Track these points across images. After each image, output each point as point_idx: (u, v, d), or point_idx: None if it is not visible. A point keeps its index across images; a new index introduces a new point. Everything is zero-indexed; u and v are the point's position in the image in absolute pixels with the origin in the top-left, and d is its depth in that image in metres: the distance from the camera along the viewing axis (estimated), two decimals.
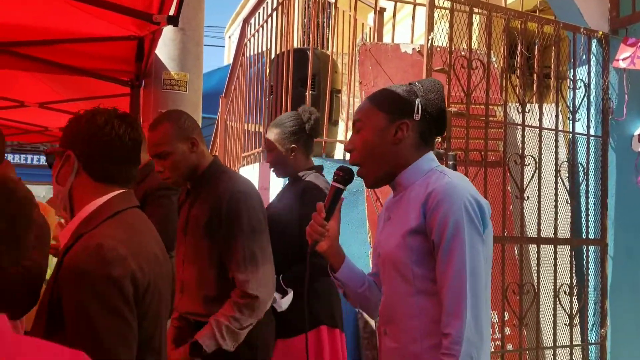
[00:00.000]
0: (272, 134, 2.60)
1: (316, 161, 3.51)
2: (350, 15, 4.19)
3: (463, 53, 3.22)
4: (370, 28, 4.76)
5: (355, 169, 1.67)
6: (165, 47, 3.42)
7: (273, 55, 4.24)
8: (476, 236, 1.46)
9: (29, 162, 15.92)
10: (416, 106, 1.58)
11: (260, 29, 4.44)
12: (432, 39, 3.06)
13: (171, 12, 2.01)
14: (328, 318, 2.55)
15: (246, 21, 4.77)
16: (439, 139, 3.06)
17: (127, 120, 1.51)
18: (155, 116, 3.42)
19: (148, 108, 3.47)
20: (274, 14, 4.11)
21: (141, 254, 1.41)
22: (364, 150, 1.61)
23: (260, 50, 4.46)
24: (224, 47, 14.88)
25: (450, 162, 2.89)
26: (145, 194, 2.68)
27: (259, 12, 4.46)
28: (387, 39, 4.39)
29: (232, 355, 2.11)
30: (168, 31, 3.43)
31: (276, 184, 3.57)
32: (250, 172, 4.04)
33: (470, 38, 3.24)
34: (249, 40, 4.74)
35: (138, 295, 1.37)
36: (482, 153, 3.22)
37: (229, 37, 13.26)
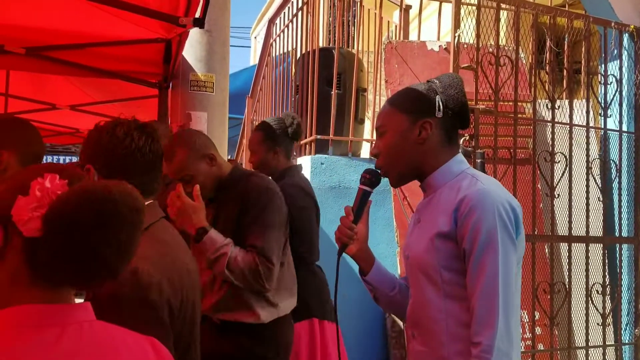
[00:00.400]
0: (257, 137, 2.81)
1: (342, 160, 3.53)
2: (375, 14, 4.18)
3: (490, 50, 3.18)
4: (395, 26, 4.73)
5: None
6: (192, 49, 3.43)
7: (299, 55, 4.25)
8: (509, 244, 1.43)
9: (61, 162, 16.28)
10: (437, 103, 1.55)
11: (286, 28, 4.45)
12: (459, 35, 3.03)
13: (197, 15, 2.03)
14: (319, 310, 2.66)
15: (271, 21, 4.78)
16: (466, 137, 3.03)
17: (147, 131, 1.49)
18: (184, 117, 3.48)
19: (176, 109, 3.49)
20: (299, 13, 4.12)
21: (174, 270, 1.42)
22: (389, 153, 1.59)
23: (285, 50, 4.48)
24: (250, 47, 14.96)
25: (479, 160, 2.86)
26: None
27: (284, 12, 4.47)
28: (413, 36, 4.36)
29: (258, 355, 2.16)
30: (195, 33, 3.45)
31: None
32: None
33: (497, 34, 3.20)
34: (275, 40, 4.75)
35: (173, 316, 1.39)
36: (511, 150, 3.18)
37: (255, 37, 13.32)
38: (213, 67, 3.48)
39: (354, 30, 5.17)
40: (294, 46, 4.26)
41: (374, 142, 1.70)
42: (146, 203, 1.42)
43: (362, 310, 3.41)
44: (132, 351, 1.02)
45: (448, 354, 1.47)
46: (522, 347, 3.30)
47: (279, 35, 4.61)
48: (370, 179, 1.65)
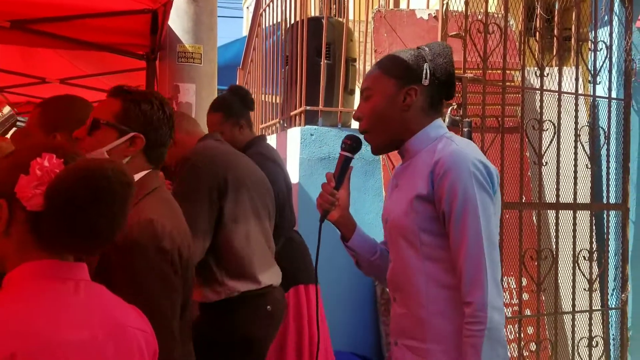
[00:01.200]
0: (217, 118, 2.79)
1: (332, 131, 3.54)
2: None
3: (480, 17, 3.16)
4: None
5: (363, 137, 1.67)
6: (179, 20, 3.40)
7: (288, 25, 4.22)
8: (488, 201, 1.46)
9: None
10: (424, 71, 1.56)
11: None
12: (447, 3, 3.01)
13: None
14: (304, 276, 2.71)
15: None
16: (454, 106, 3.04)
17: (167, 103, 1.62)
18: (172, 89, 3.47)
19: (164, 81, 3.48)
20: None
21: (180, 228, 1.55)
22: (373, 117, 1.60)
23: (276, 21, 4.44)
24: (242, 17, 14.80)
25: (466, 129, 2.87)
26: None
27: None
28: (403, 4, 4.32)
29: (227, 347, 2.11)
30: (181, 3, 3.42)
31: (293, 154, 3.59)
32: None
33: (486, 2, 3.17)
34: (264, 10, 4.71)
35: (182, 265, 1.51)
36: (499, 119, 3.18)
37: (247, 7, 13.18)
38: (200, 38, 3.46)
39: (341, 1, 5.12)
40: (284, 16, 4.22)
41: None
42: (149, 170, 1.58)
43: (351, 278, 3.45)
44: (121, 310, 1.15)
45: (427, 315, 1.50)
46: (510, 313, 3.36)
47: (269, 5, 4.57)
48: (351, 145, 1.66)
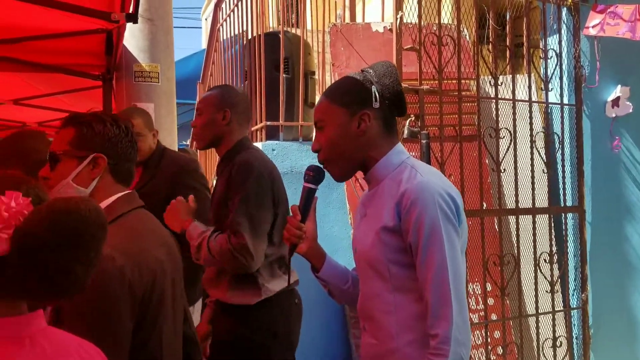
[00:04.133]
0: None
1: (293, 145, 3.55)
2: None
3: (434, 29, 3.22)
4: (342, 7, 4.73)
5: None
6: (134, 39, 3.38)
7: (245, 40, 4.21)
8: (453, 233, 1.46)
9: None
10: (373, 94, 1.56)
11: (232, 13, 4.40)
12: (401, 17, 3.05)
13: (130, 10, 2.00)
14: None
15: (218, 6, 4.72)
16: (412, 117, 3.08)
17: (120, 119, 1.62)
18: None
19: (121, 101, 3.44)
20: None
21: (140, 258, 1.47)
22: (330, 147, 1.59)
23: (233, 35, 4.43)
24: (201, 28, 14.71)
25: (424, 141, 2.91)
26: (172, 181, 2.77)
27: None
28: (359, 16, 4.37)
29: (252, 341, 2.20)
30: (137, 22, 3.39)
31: None
32: None
33: (439, 14, 3.23)
34: (221, 25, 4.69)
35: (135, 302, 1.44)
36: (457, 128, 3.24)
37: (205, 19, 13.11)
38: (157, 57, 3.44)
39: (298, 13, 5.14)
40: (242, 30, 4.22)
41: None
42: (123, 193, 1.55)
43: (320, 290, 3.45)
44: (85, 354, 1.08)
45: (398, 345, 1.50)
46: (476, 319, 3.41)
47: (225, 20, 4.56)
48: (313, 176, 1.64)
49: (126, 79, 3.39)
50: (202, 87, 5.35)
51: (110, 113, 1.63)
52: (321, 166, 1.65)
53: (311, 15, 6.01)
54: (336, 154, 1.59)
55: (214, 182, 2.90)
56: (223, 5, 4.61)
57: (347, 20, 4.25)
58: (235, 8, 4.24)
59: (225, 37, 4.74)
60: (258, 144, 3.54)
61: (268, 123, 3.68)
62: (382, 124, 1.59)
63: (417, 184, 1.48)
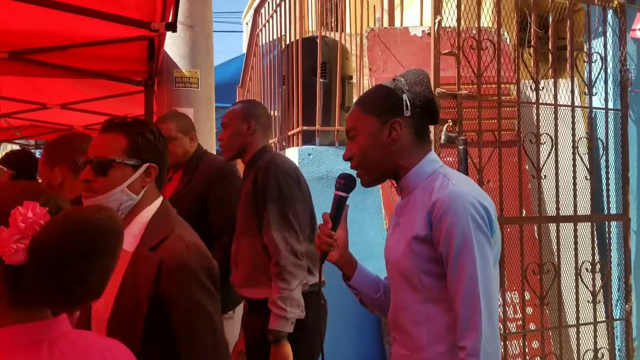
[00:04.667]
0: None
1: (329, 150, 3.56)
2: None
3: (474, 33, 3.17)
4: (382, 11, 4.71)
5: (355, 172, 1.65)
6: (175, 46, 3.44)
7: (284, 46, 4.24)
8: (485, 243, 1.44)
9: None
10: (404, 102, 1.56)
11: (271, 18, 4.44)
12: (439, 21, 3.02)
13: (170, 19, 2.04)
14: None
15: (257, 11, 4.77)
16: (450, 123, 3.05)
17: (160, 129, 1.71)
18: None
19: (162, 106, 3.51)
20: (283, 3, 4.10)
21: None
22: (362, 156, 1.59)
23: (272, 40, 4.47)
24: (242, 32, 14.88)
25: (461, 147, 2.87)
26: (206, 183, 2.84)
27: (269, 1, 4.45)
28: (398, 19, 4.35)
29: (296, 340, 2.25)
30: (178, 29, 3.44)
31: None
32: None
33: (479, 18, 3.19)
34: (261, 30, 4.74)
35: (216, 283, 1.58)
36: (496, 134, 3.19)
37: (246, 23, 13.25)
38: (197, 63, 3.49)
39: (337, 16, 5.15)
40: (280, 35, 4.25)
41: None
42: (162, 198, 1.64)
43: (356, 305, 3.45)
44: (108, 354, 1.08)
45: (429, 356, 1.49)
46: (514, 328, 3.35)
47: (265, 25, 4.60)
48: (345, 184, 1.65)
49: (167, 85, 3.46)
50: (241, 92, 5.42)
51: (150, 121, 1.67)
52: (353, 174, 1.65)
53: (350, 19, 6.03)
54: (368, 162, 1.59)
55: None
56: (262, 11, 4.65)
57: (386, 24, 4.23)
58: (275, 13, 4.27)
59: (264, 42, 4.79)
60: (294, 149, 3.57)
61: (304, 128, 3.69)
62: (413, 132, 1.59)
63: (449, 193, 1.46)
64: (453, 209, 1.44)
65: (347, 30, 4.85)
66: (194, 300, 1.48)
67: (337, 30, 5.51)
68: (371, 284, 1.73)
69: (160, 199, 1.63)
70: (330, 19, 5.81)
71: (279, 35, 4.24)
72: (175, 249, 1.49)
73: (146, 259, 1.49)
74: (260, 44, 4.84)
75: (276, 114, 4.50)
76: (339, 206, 1.65)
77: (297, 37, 3.81)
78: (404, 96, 1.57)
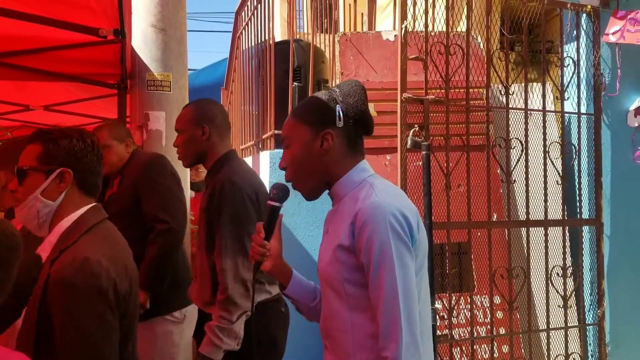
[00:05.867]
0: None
1: None
2: (350, 5, 4.17)
3: (452, 36, 3.17)
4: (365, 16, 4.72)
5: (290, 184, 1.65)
6: (147, 48, 3.45)
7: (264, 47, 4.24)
8: (405, 252, 1.44)
9: None
10: (337, 113, 1.57)
11: (249, 21, 4.45)
12: (406, 27, 3.03)
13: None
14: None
15: (238, 13, 4.78)
16: (416, 127, 3.05)
17: (88, 134, 1.68)
18: (142, 117, 3.51)
19: (135, 109, 3.53)
20: (259, 6, 4.11)
21: (117, 263, 1.55)
22: (295, 165, 1.60)
23: (251, 43, 4.48)
24: None
25: (424, 152, 2.88)
26: (135, 180, 2.86)
27: (247, 5, 4.46)
28: (383, 26, 4.35)
29: (238, 353, 2.21)
30: (150, 32, 3.47)
31: (264, 177, 3.61)
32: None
33: (447, 23, 3.19)
34: (241, 33, 4.75)
35: (119, 300, 1.52)
36: (464, 138, 3.19)
37: None
38: (170, 66, 3.50)
39: (331, 18, 5.15)
40: (257, 39, 4.26)
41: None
42: (91, 205, 1.62)
43: None
44: None
45: None
46: (483, 332, 3.35)
47: (244, 28, 4.61)
48: (277, 194, 1.64)
49: (139, 88, 3.47)
50: (225, 93, 5.43)
51: (78, 129, 1.66)
52: (287, 184, 1.65)
53: (344, 22, 6.03)
54: (301, 172, 1.60)
55: None
56: (242, 13, 4.66)
57: (366, 29, 4.23)
58: (252, 16, 4.28)
59: (244, 45, 4.80)
60: (266, 152, 3.58)
61: (276, 131, 3.70)
62: (346, 142, 1.60)
63: (370, 204, 1.47)
64: (373, 219, 1.44)
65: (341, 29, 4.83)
66: (71, 318, 1.43)
67: (330, 33, 5.52)
68: (307, 293, 1.73)
69: (88, 206, 1.61)
70: (324, 20, 5.81)
71: (256, 39, 4.25)
72: (61, 264, 1.46)
73: (45, 270, 1.49)
74: (242, 48, 4.85)
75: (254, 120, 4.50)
76: (272, 216, 1.65)
77: (270, 42, 3.82)
78: (337, 107, 1.58)
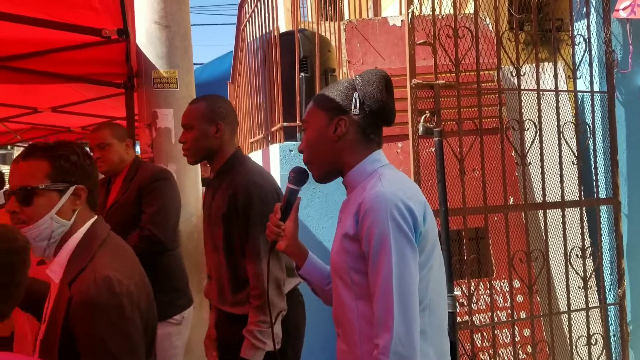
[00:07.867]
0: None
1: None
2: None
3: (460, 19, 3.11)
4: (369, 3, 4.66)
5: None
6: (152, 46, 3.42)
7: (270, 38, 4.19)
8: (405, 245, 1.43)
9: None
10: (354, 101, 1.56)
11: (253, 13, 4.40)
12: (412, 11, 2.97)
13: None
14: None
15: (241, 5, 4.74)
16: (427, 114, 3.01)
17: (84, 149, 1.64)
18: (150, 115, 3.49)
19: (142, 108, 3.50)
20: None
21: (134, 277, 1.52)
22: (310, 149, 1.63)
23: (255, 36, 4.43)
24: None
25: (436, 139, 2.83)
26: (140, 188, 2.88)
27: None
28: (389, 12, 4.29)
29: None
30: (154, 30, 3.44)
31: (274, 170, 3.59)
32: (255, 159, 4.06)
33: (455, 5, 3.13)
34: (245, 25, 4.71)
35: (141, 316, 1.49)
36: (476, 122, 3.14)
37: None
38: (175, 63, 3.47)
39: (336, 6, 5.10)
40: (262, 31, 4.21)
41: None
42: (95, 218, 1.57)
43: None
44: None
45: (361, 354, 1.50)
46: (504, 317, 3.32)
47: (248, 20, 4.56)
48: (295, 178, 1.69)
49: (146, 86, 3.44)
50: (232, 87, 5.40)
51: (75, 143, 1.61)
52: (305, 168, 1.67)
53: (349, 10, 5.96)
54: (314, 156, 1.62)
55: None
56: (246, 6, 4.61)
57: (372, 16, 4.17)
58: (256, 8, 4.24)
59: (249, 37, 4.75)
60: (276, 145, 3.55)
61: (285, 124, 3.67)
62: (360, 131, 1.60)
63: (374, 193, 1.47)
64: (375, 208, 1.44)
65: (346, 17, 4.77)
66: (97, 340, 1.39)
67: (335, 20, 5.46)
68: (321, 276, 1.76)
69: (92, 220, 1.56)
70: (328, 7, 5.76)
71: (260, 31, 4.21)
72: (83, 285, 1.42)
73: (64, 293, 1.44)
74: (247, 40, 4.81)
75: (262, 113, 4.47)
76: (290, 198, 1.69)
77: (275, 33, 3.77)
78: (355, 94, 1.58)
